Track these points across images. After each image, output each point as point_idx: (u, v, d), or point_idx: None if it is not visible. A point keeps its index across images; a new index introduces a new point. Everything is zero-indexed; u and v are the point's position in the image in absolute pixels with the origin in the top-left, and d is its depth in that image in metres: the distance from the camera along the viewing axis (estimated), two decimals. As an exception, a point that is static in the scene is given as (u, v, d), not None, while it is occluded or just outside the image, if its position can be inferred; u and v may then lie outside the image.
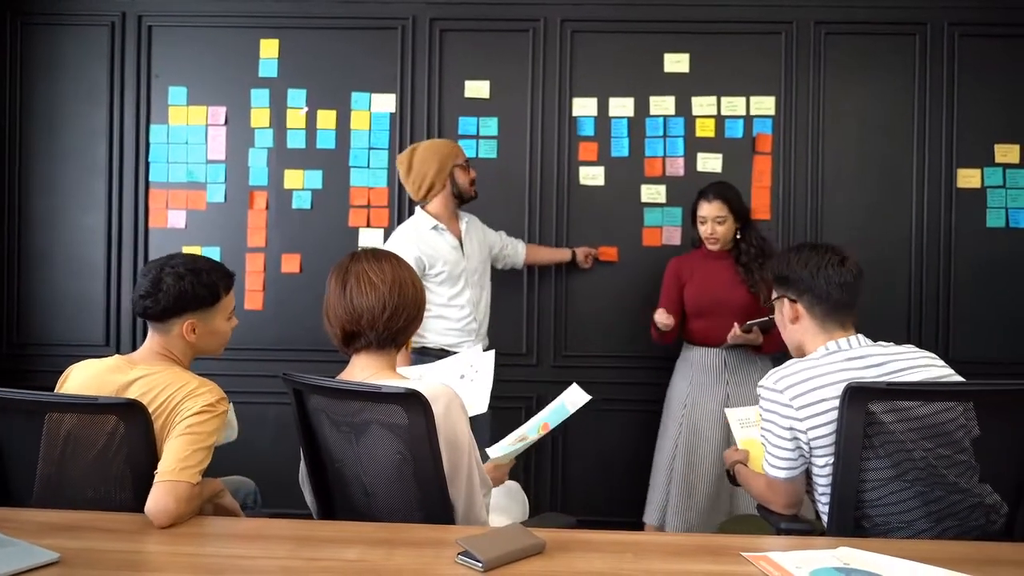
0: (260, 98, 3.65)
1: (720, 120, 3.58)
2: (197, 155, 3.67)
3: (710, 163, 3.57)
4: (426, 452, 1.60)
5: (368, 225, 3.63)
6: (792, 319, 1.92)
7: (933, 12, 3.55)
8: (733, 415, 2.45)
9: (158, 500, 1.62)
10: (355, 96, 3.64)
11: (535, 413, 2.27)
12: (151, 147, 3.68)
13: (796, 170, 3.57)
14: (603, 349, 3.61)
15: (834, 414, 1.72)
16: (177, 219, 3.67)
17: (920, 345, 3.46)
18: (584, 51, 3.61)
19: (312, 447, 1.79)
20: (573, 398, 2.14)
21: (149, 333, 1.93)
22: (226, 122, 3.66)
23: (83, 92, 3.68)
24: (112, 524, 1.62)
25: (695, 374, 3.11)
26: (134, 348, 3.64)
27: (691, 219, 3.18)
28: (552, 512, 2.12)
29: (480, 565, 1.37)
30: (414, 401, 1.58)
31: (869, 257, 3.53)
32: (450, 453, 1.66)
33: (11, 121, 3.69)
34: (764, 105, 3.57)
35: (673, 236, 3.58)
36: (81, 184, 3.69)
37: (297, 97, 3.65)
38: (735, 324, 2.93)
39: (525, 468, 3.57)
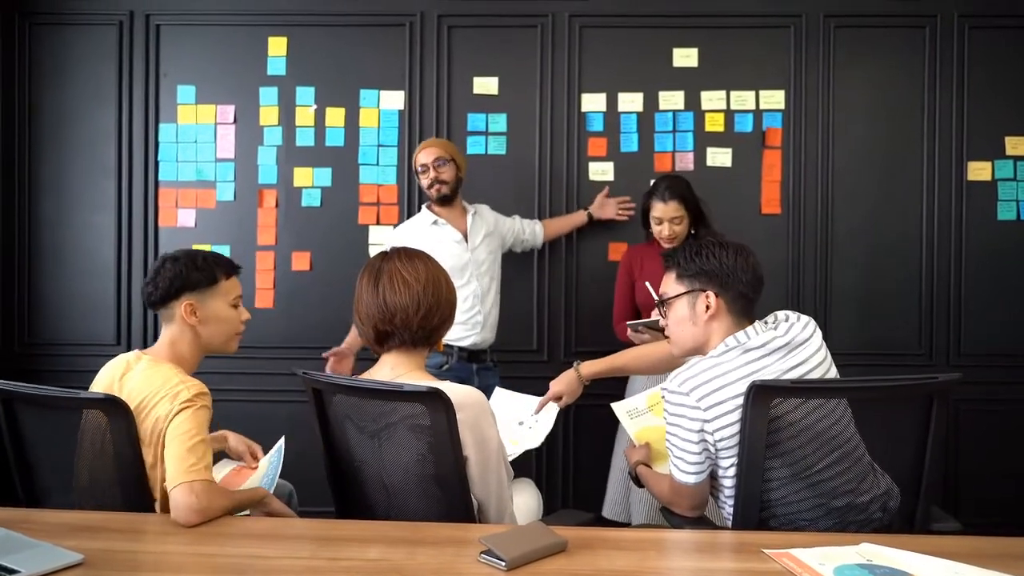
0: (269, 96, 3.65)
1: (729, 114, 3.57)
2: (206, 154, 3.67)
3: (719, 158, 3.56)
4: (448, 450, 1.60)
5: (378, 222, 3.62)
6: (709, 315, 1.83)
7: (943, 4, 3.53)
8: (620, 408, 2.35)
9: (178, 502, 1.62)
10: (363, 93, 3.63)
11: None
12: (160, 146, 3.68)
13: (806, 164, 3.56)
14: (614, 344, 3.58)
15: (740, 413, 1.68)
16: (187, 218, 3.67)
17: (932, 338, 3.53)
18: (592, 46, 3.60)
19: (331, 446, 1.79)
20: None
21: (161, 327, 1.98)
22: (235, 120, 3.66)
23: (91, 92, 3.68)
24: (134, 525, 1.62)
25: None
26: (145, 347, 3.66)
27: (641, 218, 3.05)
28: (569, 509, 2.12)
29: (503, 564, 1.36)
30: (436, 399, 1.57)
31: (880, 250, 3.56)
32: (479, 455, 1.66)
33: (20, 122, 3.68)
34: (774, 99, 3.56)
35: (683, 231, 3.56)
36: (90, 184, 3.69)
37: (306, 95, 3.64)
38: (626, 325, 2.78)
39: (537, 467, 3.58)
